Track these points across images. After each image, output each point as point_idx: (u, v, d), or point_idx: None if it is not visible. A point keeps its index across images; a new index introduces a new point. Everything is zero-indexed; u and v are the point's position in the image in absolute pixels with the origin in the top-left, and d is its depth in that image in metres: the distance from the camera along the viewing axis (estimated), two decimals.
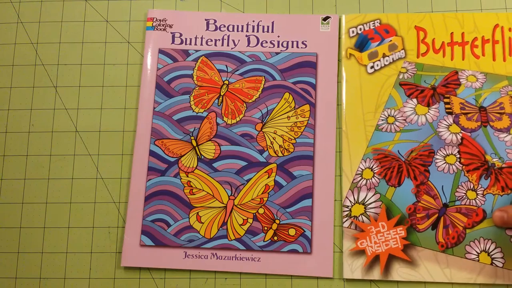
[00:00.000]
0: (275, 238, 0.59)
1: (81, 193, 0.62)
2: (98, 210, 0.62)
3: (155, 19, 0.67)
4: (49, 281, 0.60)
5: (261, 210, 0.60)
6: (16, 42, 0.67)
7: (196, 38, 0.66)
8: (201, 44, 0.66)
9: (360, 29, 0.66)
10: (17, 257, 0.61)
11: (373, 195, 0.60)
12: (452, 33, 0.64)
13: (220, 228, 0.60)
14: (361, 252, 0.58)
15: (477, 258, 0.57)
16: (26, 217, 0.62)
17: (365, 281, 0.58)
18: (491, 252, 0.57)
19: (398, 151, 0.61)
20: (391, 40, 0.65)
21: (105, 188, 0.62)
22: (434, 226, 0.58)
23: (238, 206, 0.61)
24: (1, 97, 0.65)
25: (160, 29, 0.67)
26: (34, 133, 0.64)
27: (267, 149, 0.62)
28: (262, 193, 0.61)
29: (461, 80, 0.63)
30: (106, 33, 0.67)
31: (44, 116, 0.65)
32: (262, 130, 0.63)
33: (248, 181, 0.61)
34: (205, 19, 0.67)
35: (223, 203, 0.61)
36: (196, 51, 0.66)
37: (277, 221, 0.60)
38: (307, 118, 0.63)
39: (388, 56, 0.64)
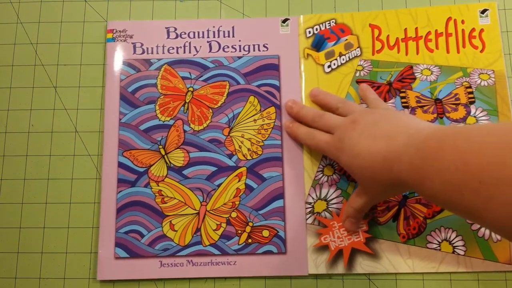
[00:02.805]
0: (250, 240, 0.44)
1: (81, 193, 0.46)
2: (98, 210, 0.46)
3: (115, 31, 0.49)
4: (49, 281, 0.45)
5: (233, 214, 0.44)
6: (15, 43, 0.49)
7: (157, 47, 0.48)
8: (163, 53, 0.48)
9: (316, 29, 0.48)
10: (17, 257, 0.46)
11: (334, 191, 0.44)
12: (406, 28, 0.48)
13: (194, 235, 0.44)
14: (324, 248, 0.43)
15: (439, 247, 0.42)
16: (26, 217, 0.46)
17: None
18: (452, 240, 0.42)
19: None
20: (346, 39, 0.48)
21: None
22: (395, 218, 0.43)
23: (211, 211, 0.45)
24: (1, 97, 0.48)
25: (121, 40, 0.48)
26: (34, 133, 0.47)
27: (236, 153, 0.46)
28: (233, 197, 0.45)
29: (416, 74, 0.47)
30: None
31: (44, 116, 0.48)
32: (230, 134, 0.46)
33: (219, 186, 0.45)
34: (165, 27, 0.49)
35: (195, 210, 0.45)
36: (158, 59, 0.48)
37: (250, 224, 0.44)
38: (274, 120, 0.46)
39: (344, 55, 0.47)
